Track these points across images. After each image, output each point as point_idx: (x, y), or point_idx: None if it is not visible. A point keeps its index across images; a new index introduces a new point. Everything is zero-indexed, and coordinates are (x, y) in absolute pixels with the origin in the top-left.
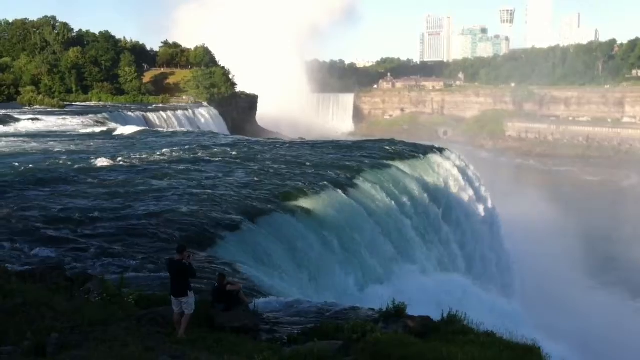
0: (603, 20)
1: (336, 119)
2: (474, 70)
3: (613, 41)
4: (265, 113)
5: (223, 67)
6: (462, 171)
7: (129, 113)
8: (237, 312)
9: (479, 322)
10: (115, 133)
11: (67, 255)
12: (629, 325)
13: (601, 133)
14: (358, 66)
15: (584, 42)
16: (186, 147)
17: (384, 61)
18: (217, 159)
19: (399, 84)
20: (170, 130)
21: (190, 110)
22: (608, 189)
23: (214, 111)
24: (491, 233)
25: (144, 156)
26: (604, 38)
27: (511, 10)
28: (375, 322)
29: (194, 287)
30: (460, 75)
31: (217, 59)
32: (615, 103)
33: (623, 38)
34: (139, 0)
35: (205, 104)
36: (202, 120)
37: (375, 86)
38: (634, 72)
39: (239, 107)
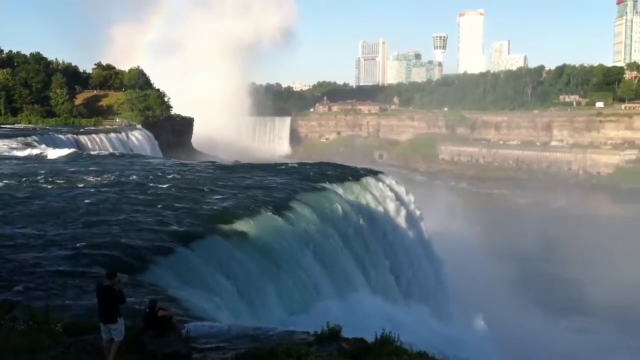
0: (532, 47)
1: (273, 142)
2: (409, 95)
3: (541, 67)
4: (201, 136)
5: (158, 90)
6: (397, 194)
7: (60, 136)
8: (169, 338)
9: (412, 343)
10: (45, 156)
11: None
12: (555, 342)
13: (530, 156)
14: (295, 89)
15: (514, 68)
16: (118, 170)
17: (320, 85)
18: (150, 182)
19: (335, 108)
20: (102, 153)
21: (123, 133)
22: (538, 211)
23: (148, 134)
24: (425, 255)
25: (73, 179)
26: (532, 64)
27: (444, 37)
28: (310, 345)
29: (123, 313)
30: (395, 100)
31: (151, 81)
32: (543, 127)
33: (551, 64)
34: (72, 19)
35: (139, 126)
36: (136, 142)
37: (312, 109)
38: (561, 97)
39: (174, 130)
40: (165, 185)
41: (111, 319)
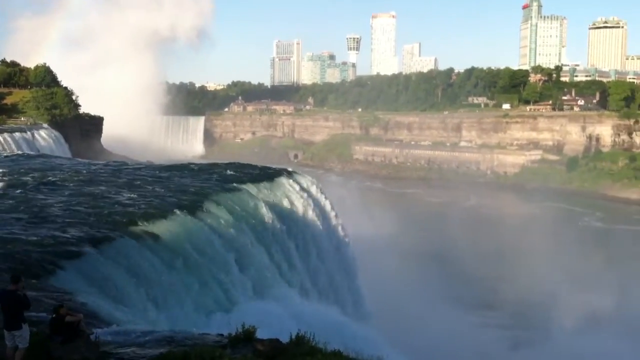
0: (442, 49)
1: (186, 142)
2: (323, 95)
3: (451, 70)
4: (112, 135)
5: (65, 88)
6: (312, 194)
7: None
8: (77, 344)
9: (326, 343)
10: None
11: None
12: (466, 337)
13: (441, 156)
14: (209, 89)
15: (425, 70)
16: (22, 170)
17: (234, 84)
18: (57, 184)
19: (250, 108)
20: (6, 153)
21: (29, 133)
22: (451, 210)
23: (55, 133)
24: (341, 255)
25: None
26: (442, 66)
27: (357, 38)
28: (224, 348)
29: (28, 319)
30: (310, 100)
31: (59, 79)
32: (453, 128)
33: (460, 67)
34: None
35: (45, 125)
36: (42, 142)
37: (227, 109)
38: (470, 98)
39: (82, 129)
40: (73, 186)
41: (15, 325)
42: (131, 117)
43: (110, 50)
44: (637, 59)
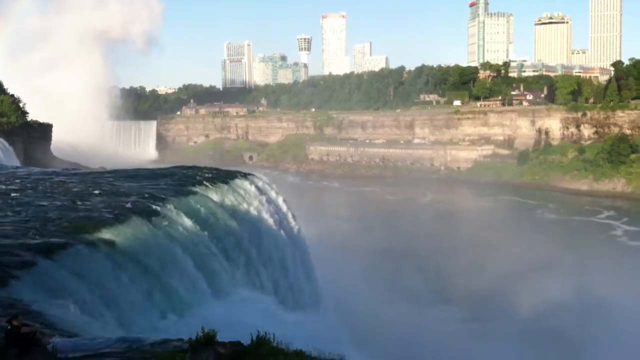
0: (392, 48)
1: (139, 147)
2: (276, 96)
3: (402, 68)
4: (61, 142)
5: (12, 95)
6: (268, 195)
7: None
8: (33, 355)
9: (288, 343)
10: None
11: None
12: (424, 332)
13: (395, 154)
14: (160, 92)
15: (376, 69)
16: None
17: (186, 87)
18: (6, 193)
19: (202, 110)
20: None
21: None
22: (409, 207)
23: (3, 142)
24: (299, 255)
25: None
26: (394, 65)
27: (308, 39)
28: (185, 352)
29: None
30: (263, 101)
31: (5, 87)
32: (406, 125)
33: (411, 65)
34: None
35: None
36: None
37: (179, 113)
38: (421, 96)
39: (31, 137)
40: (22, 195)
41: None
42: (81, 122)
43: (58, 53)
44: (582, 53)
